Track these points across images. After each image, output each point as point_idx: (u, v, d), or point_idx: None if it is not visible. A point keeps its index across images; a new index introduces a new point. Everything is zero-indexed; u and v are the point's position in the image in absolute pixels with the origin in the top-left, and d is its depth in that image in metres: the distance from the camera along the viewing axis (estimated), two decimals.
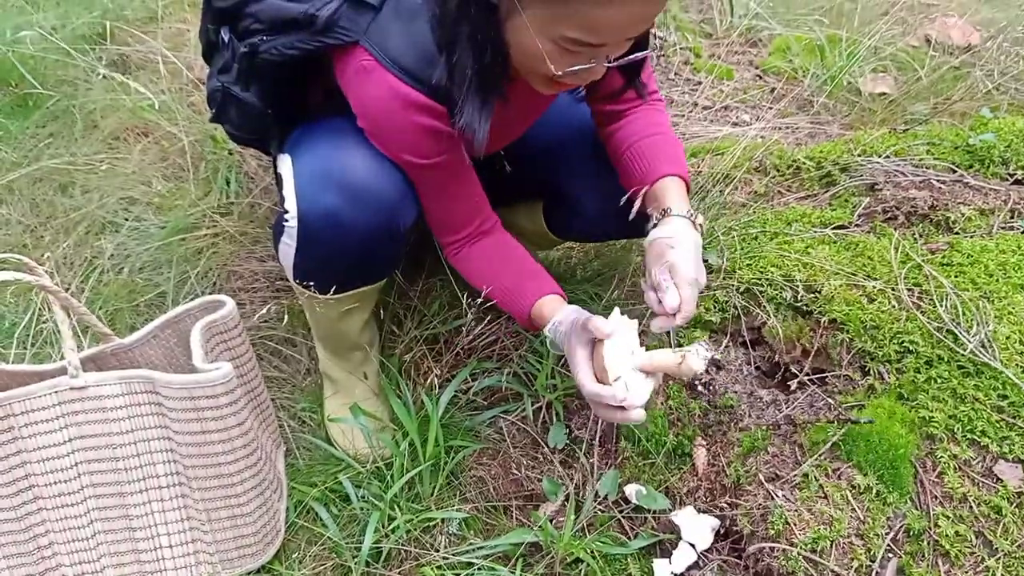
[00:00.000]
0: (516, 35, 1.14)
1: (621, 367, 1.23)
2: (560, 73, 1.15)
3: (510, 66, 1.21)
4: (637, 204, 1.38)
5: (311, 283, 1.43)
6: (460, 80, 1.20)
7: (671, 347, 1.28)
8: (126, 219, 2.08)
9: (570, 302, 1.40)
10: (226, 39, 1.40)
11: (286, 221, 1.33)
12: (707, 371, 1.59)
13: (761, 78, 2.75)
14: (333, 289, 1.45)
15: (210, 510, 1.39)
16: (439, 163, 1.32)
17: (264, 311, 1.85)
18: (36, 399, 1.31)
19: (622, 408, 1.20)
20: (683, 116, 2.51)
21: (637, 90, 1.40)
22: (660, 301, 1.24)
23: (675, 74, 2.72)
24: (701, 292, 1.32)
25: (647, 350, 1.26)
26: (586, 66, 1.15)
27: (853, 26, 2.81)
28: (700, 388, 1.56)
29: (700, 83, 2.67)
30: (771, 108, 2.57)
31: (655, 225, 1.34)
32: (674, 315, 1.23)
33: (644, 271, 1.34)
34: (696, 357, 1.24)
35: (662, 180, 1.38)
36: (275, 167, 1.46)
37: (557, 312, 1.35)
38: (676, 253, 1.26)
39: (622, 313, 1.26)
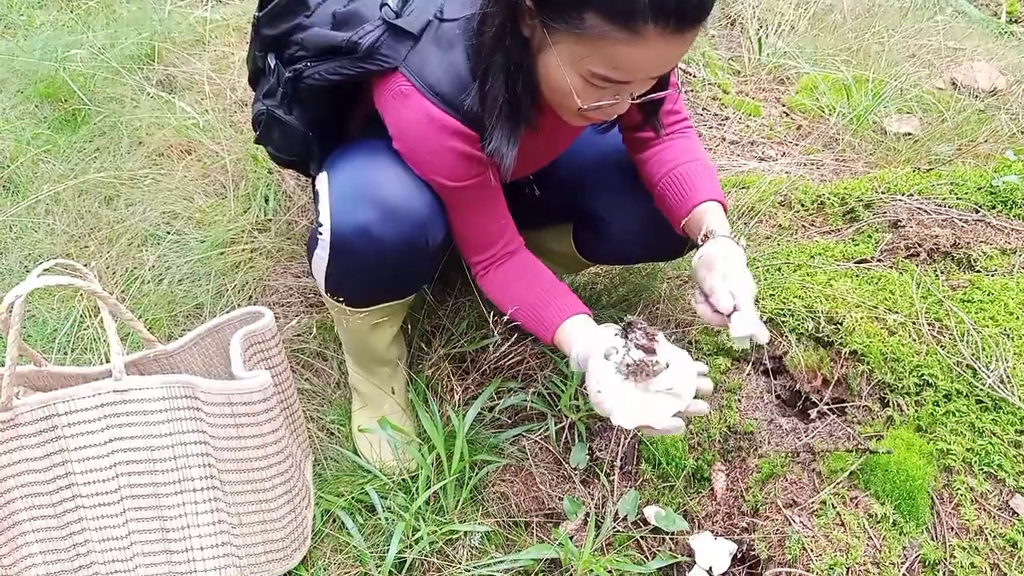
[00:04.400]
0: (546, 68, 1.20)
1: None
2: (586, 106, 1.20)
3: (540, 97, 1.27)
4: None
5: (342, 296, 1.49)
6: (491, 107, 1.26)
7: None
8: (168, 232, 2.15)
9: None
10: (272, 65, 1.47)
11: (320, 234, 1.39)
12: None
13: (788, 115, 2.80)
14: (363, 302, 1.51)
15: (241, 514, 1.43)
16: (469, 186, 1.37)
17: (294, 323, 1.91)
18: (80, 400, 1.36)
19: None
20: (711, 150, 2.56)
21: (654, 127, 1.46)
22: (714, 308, 1.28)
23: (703, 109, 2.77)
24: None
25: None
26: (611, 102, 1.21)
27: (880, 67, 2.86)
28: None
29: (728, 118, 2.72)
30: (797, 145, 2.61)
31: (700, 247, 1.38)
32: (730, 315, 1.26)
33: (695, 287, 1.37)
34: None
35: (701, 205, 1.43)
36: (313, 184, 1.52)
37: (580, 340, 1.36)
38: (728, 263, 1.30)
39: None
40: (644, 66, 1.15)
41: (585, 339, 1.34)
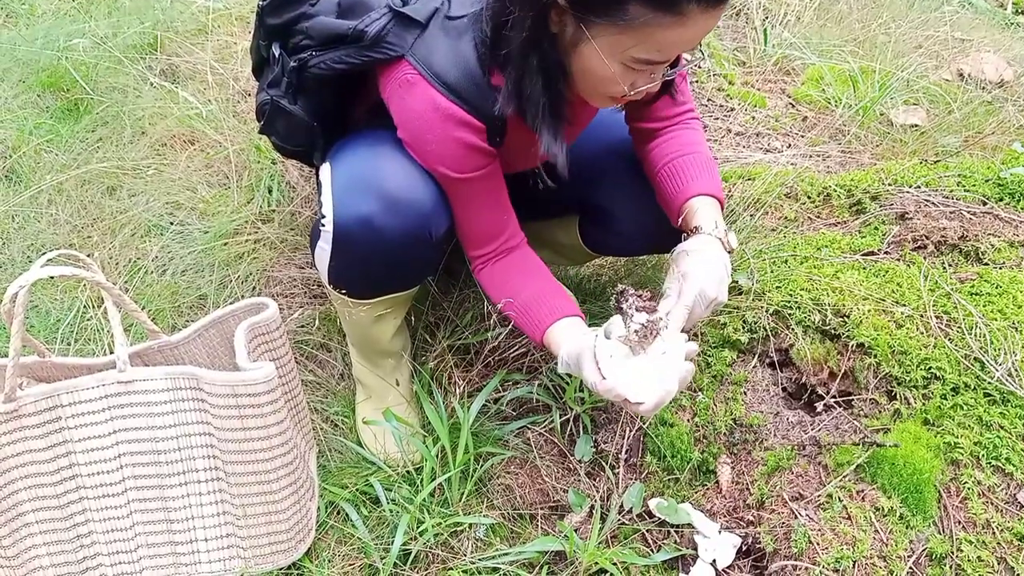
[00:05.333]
0: (582, 60, 1.21)
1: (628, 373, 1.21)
2: (632, 93, 1.22)
3: (571, 90, 1.28)
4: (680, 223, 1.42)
5: (344, 288, 1.48)
6: (534, 111, 1.26)
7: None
8: (171, 223, 2.14)
9: (600, 318, 1.42)
10: (276, 54, 1.46)
11: (323, 226, 1.38)
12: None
13: (794, 106, 2.78)
14: (366, 294, 1.50)
15: (246, 505, 1.43)
16: (474, 178, 1.36)
17: (298, 314, 1.90)
18: (83, 391, 1.36)
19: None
20: (716, 141, 2.55)
21: (671, 95, 1.46)
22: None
23: (709, 100, 2.76)
24: (718, 311, 1.33)
25: None
26: (648, 84, 1.23)
27: (886, 58, 2.84)
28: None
29: (733, 109, 2.70)
30: (803, 136, 2.60)
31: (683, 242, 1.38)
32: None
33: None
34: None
35: (693, 199, 1.42)
36: (316, 175, 1.51)
37: (569, 340, 1.34)
38: (692, 264, 1.30)
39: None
40: (684, 44, 1.17)
41: (575, 340, 1.32)
